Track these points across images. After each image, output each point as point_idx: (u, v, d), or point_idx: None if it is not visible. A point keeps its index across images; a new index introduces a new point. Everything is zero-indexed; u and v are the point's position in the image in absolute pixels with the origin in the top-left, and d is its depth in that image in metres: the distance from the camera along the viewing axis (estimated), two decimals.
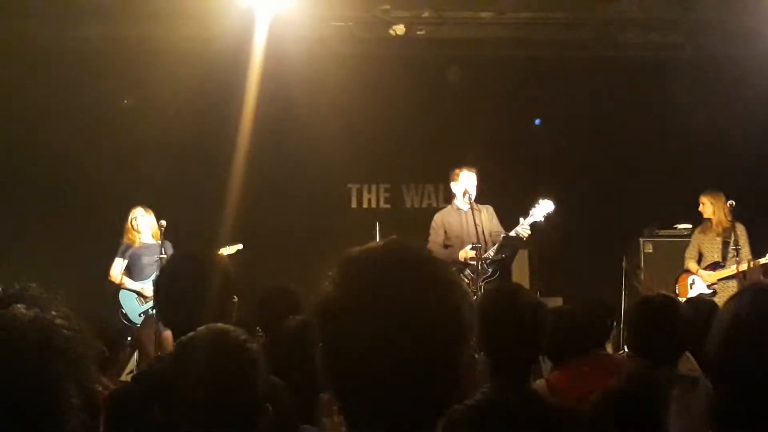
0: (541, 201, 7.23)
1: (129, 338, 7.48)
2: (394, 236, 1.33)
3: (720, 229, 7.90)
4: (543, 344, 2.88)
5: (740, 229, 7.82)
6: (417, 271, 1.24)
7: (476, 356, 1.28)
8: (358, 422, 1.23)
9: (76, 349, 1.23)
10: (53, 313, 1.27)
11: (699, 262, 8.07)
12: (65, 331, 1.23)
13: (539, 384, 3.75)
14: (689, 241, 8.22)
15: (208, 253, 2.94)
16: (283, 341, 3.34)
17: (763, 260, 7.54)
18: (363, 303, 1.20)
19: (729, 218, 7.80)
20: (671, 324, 3.13)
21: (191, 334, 2.07)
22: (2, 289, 1.39)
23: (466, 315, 1.25)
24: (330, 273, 1.27)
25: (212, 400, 1.94)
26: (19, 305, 1.25)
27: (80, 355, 1.25)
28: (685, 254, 8.17)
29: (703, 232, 8.05)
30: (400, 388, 1.18)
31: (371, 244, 1.29)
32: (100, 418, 1.87)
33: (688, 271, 8.08)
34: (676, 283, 8.10)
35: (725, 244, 7.88)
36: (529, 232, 7.20)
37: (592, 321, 4.23)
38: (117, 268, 7.81)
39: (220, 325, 2.13)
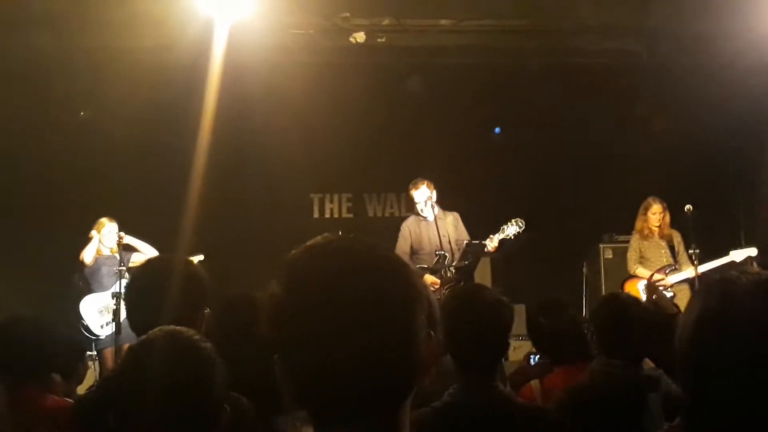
0: (513, 220, 7.30)
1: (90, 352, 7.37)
2: (327, 233, 1.31)
3: (659, 234, 8.04)
4: (506, 343, 2.87)
5: (677, 236, 8.00)
6: (358, 261, 1.23)
7: (432, 333, 1.26)
8: (325, 422, 1.22)
9: None
10: None
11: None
12: None
13: (533, 384, 3.74)
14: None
15: (183, 260, 2.91)
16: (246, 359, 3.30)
17: (705, 267, 7.65)
18: (309, 300, 1.19)
19: (668, 224, 8.01)
20: (636, 322, 3.15)
21: (143, 336, 2.02)
22: None
23: (413, 293, 1.24)
24: (274, 278, 1.25)
25: (167, 401, 1.89)
26: None
27: None
28: (629, 258, 8.22)
29: (644, 237, 8.14)
30: (360, 380, 1.18)
31: (308, 243, 1.28)
32: None
33: (635, 276, 8.14)
34: (621, 288, 8.02)
35: (671, 248, 8.02)
36: (496, 245, 7.27)
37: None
38: (90, 252, 7.73)
39: (172, 326, 2.09)
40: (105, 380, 2.74)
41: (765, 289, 1.38)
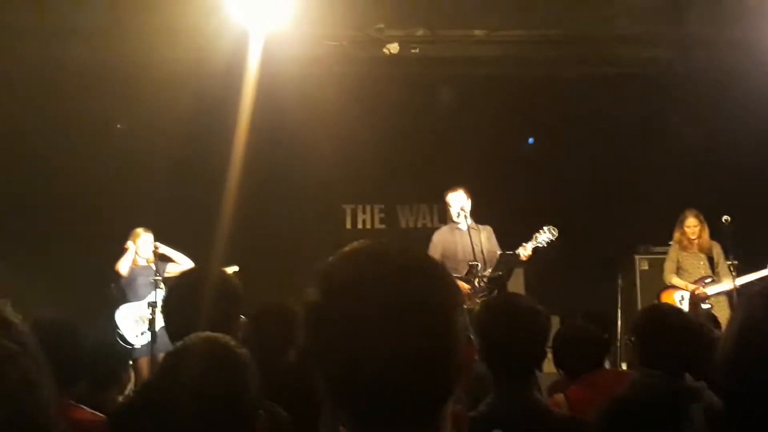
0: (545, 228, 7.22)
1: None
2: (363, 240, 1.31)
3: (698, 246, 7.95)
4: (543, 352, 2.84)
5: (717, 247, 7.89)
6: (395, 265, 1.23)
7: (471, 336, 1.26)
8: (364, 427, 1.21)
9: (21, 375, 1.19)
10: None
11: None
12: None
13: (558, 398, 3.72)
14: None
15: (219, 270, 2.94)
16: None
17: (743, 279, 7.56)
18: (346, 305, 1.19)
19: (708, 236, 7.93)
20: (679, 333, 3.10)
21: (179, 343, 2.03)
22: None
23: (452, 296, 1.24)
24: (310, 285, 1.25)
25: (203, 406, 1.90)
26: None
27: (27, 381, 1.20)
28: (666, 269, 8.14)
29: (683, 248, 8.06)
30: (399, 385, 1.17)
31: (345, 249, 1.27)
32: None
33: (673, 287, 8.05)
34: (657, 299, 7.95)
35: (710, 260, 7.92)
36: (530, 254, 7.21)
37: (601, 336, 4.27)
38: (126, 263, 7.81)
39: (208, 333, 2.09)
40: (142, 387, 2.76)
41: None
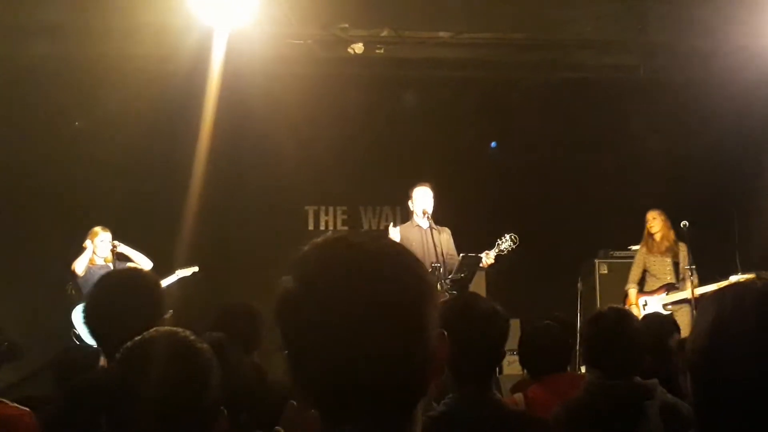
0: (506, 235, 7.25)
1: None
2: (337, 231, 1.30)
3: (664, 247, 8.01)
4: (501, 353, 2.85)
5: (684, 249, 7.95)
6: (370, 255, 1.21)
7: (444, 332, 1.24)
8: (334, 420, 1.19)
9: None
10: None
11: (642, 281, 8.15)
12: None
13: (517, 397, 3.78)
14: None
15: (131, 272, 2.92)
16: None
17: (703, 289, 7.61)
18: (319, 295, 1.17)
19: (673, 236, 7.95)
20: (625, 336, 3.15)
21: (138, 337, 1.98)
22: None
23: (426, 289, 1.22)
24: (285, 274, 1.23)
25: (163, 400, 1.84)
26: None
27: None
28: (630, 274, 8.21)
29: (649, 251, 8.12)
30: (371, 378, 1.15)
31: (320, 238, 1.26)
32: None
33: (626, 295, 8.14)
34: (623, 302, 8.05)
35: (675, 265, 7.99)
36: (492, 261, 7.24)
37: (566, 339, 4.35)
38: (82, 264, 7.67)
39: (168, 327, 2.05)
40: (98, 380, 2.71)
41: None
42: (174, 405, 1.85)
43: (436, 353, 1.22)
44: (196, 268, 7.96)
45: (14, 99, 8.66)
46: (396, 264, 1.22)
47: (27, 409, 3.02)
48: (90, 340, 7.53)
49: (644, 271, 8.22)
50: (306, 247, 1.25)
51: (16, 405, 3.04)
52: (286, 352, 1.21)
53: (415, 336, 1.19)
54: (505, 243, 7.24)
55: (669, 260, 8.04)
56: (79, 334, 7.52)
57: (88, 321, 2.78)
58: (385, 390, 1.17)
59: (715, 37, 8.19)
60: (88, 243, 7.80)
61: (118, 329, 2.42)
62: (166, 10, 7.41)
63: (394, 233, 7.38)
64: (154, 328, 2.00)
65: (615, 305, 3.63)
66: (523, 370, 4.44)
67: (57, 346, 6.41)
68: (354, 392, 1.16)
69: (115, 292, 2.73)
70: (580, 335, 3.38)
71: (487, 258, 7.21)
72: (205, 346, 1.97)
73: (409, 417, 1.21)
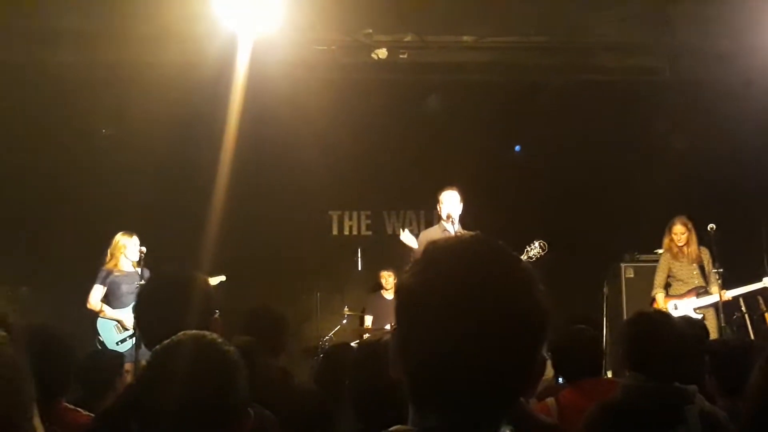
0: (536, 242, 7.21)
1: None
2: (477, 232, 1.31)
3: (693, 255, 7.95)
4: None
5: (706, 253, 7.90)
6: (504, 267, 1.24)
7: (545, 355, 1.26)
8: (426, 409, 1.22)
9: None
10: None
11: (668, 286, 8.08)
12: None
13: (549, 402, 3.73)
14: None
15: (185, 272, 2.91)
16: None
17: (733, 292, 7.60)
18: (445, 295, 1.19)
19: (697, 241, 7.91)
20: (669, 339, 3.10)
21: (166, 341, 1.99)
22: None
23: (544, 310, 1.24)
24: (410, 268, 1.26)
25: (191, 403, 1.86)
26: None
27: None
28: (655, 280, 8.14)
29: (674, 257, 8.05)
30: (475, 382, 1.18)
31: (447, 240, 1.29)
32: None
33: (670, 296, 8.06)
34: (651, 305, 7.91)
35: (701, 268, 7.93)
36: None
37: (600, 341, 4.29)
38: (96, 296, 7.65)
39: (196, 330, 2.06)
40: (128, 388, 2.72)
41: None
42: (201, 405, 1.87)
43: (539, 370, 1.25)
44: (223, 277, 7.97)
45: (40, 106, 8.74)
46: (522, 280, 1.24)
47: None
48: (113, 348, 7.55)
49: (668, 276, 8.14)
50: (436, 244, 1.27)
51: (88, 413, 3.12)
52: (398, 333, 1.24)
53: (533, 353, 1.22)
54: (534, 250, 7.20)
55: (694, 264, 7.98)
56: (103, 341, 7.54)
57: (140, 319, 2.78)
58: (488, 395, 1.19)
59: (740, 37, 8.11)
60: (109, 254, 7.70)
61: (169, 327, 2.42)
62: (191, 18, 7.45)
63: (408, 239, 7.36)
64: (182, 332, 2.01)
65: (653, 308, 3.56)
66: (557, 374, 4.36)
67: (81, 352, 6.42)
68: (454, 389, 1.18)
69: (168, 290, 2.71)
70: (619, 336, 3.31)
71: None
72: (231, 348, 1.99)
73: (492, 422, 1.23)
